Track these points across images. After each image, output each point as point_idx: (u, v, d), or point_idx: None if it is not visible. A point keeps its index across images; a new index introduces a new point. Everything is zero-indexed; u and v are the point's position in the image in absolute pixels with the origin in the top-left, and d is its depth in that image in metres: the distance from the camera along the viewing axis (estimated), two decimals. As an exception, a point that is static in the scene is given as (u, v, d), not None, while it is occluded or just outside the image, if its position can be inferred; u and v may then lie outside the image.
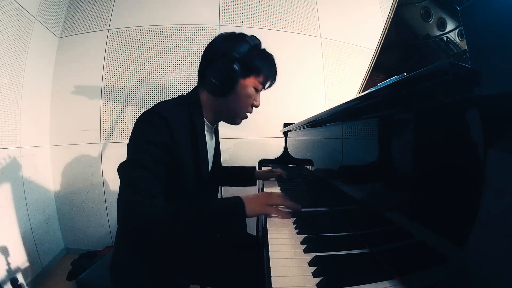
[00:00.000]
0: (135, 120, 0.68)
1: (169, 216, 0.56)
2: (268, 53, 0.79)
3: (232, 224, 0.60)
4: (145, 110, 0.69)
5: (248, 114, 0.82)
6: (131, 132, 0.68)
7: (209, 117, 0.81)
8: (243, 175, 1.15)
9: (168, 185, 0.66)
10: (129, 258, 0.73)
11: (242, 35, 0.75)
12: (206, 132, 0.79)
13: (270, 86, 0.81)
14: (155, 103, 0.73)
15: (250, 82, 0.75)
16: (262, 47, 0.80)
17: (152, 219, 0.55)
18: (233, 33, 0.76)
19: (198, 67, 0.79)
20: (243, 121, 0.84)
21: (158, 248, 0.73)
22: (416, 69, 0.35)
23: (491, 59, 0.28)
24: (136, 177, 0.59)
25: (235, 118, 0.81)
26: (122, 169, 0.64)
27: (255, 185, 1.17)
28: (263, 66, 0.75)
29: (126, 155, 0.67)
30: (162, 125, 0.64)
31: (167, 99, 0.75)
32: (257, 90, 0.78)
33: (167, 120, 0.64)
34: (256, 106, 0.81)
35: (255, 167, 1.20)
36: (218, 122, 0.87)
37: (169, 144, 0.64)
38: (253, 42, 0.74)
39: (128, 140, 0.69)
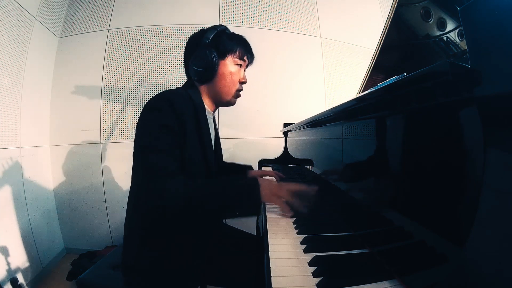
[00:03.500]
0: (142, 109, 0.72)
1: (188, 192, 0.62)
2: (237, 34, 0.86)
3: (247, 203, 0.65)
4: (146, 101, 0.73)
5: (240, 93, 0.88)
6: (139, 119, 0.72)
7: (207, 104, 0.86)
8: (237, 173, 1.13)
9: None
10: (135, 256, 0.74)
11: (208, 27, 0.83)
12: (207, 116, 0.83)
13: (250, 62, 0.88)
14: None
15: (229, 61, 0.82)
16: (250, 42, 0.87)
17: (173, 196, 0.61)
18: (201, 29, 0.84)
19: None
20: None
21: (162, 247, 0.74)
22: (416, 69, 0.35)
23: (491, 59, 0.28)
24: (153, 162, 0.64)
25: (229, 97, 0.85)
26: (139, 157, 0.68)
27: None
28: (234, 44, 0.82)
29: (135, 141, 0.71)
30: (169, 110, 0.68)
31: (165, 90, 0.79)
32: (240, 66, 0.84)
33: (173, 104, 0.69)
34: (244, 83, 0.87)
35: (250, 166, 1.17)
36: (216, 108, 0.91)
37: (176, 127, 0.69)
38: (219, 28, 0.82)
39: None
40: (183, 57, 0.86)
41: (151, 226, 0.73)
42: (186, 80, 0.89)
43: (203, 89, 0.84)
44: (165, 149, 0.65)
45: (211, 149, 0.83)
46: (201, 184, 0.66)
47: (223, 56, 0.80)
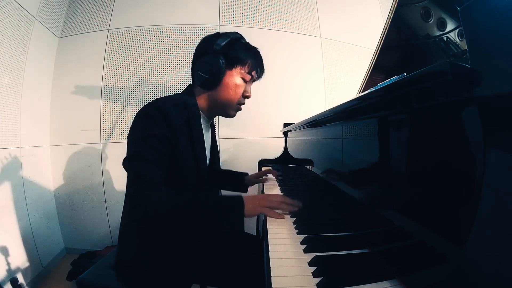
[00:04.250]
0: (135, 115, 0.71)
1: (171, 205, 0.62)
2: (252, 45, 0.82)
3: (229, 220, 0.64)
4: (144, 105, 0.72)
5: (241, 106, 0.85)
6: (131, 126, 0.71)
7: (205, 111, 0.84)
8: (234, 181, 1.12)
9: (170, 179, 0.69)
10: (134, 256, 0.74)
11: (223, 33, 0.80)
12: (202, 124, 0.81)
13: (259, 77, 0.85)
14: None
15: (236, 73, 0.78)
16: (250, 42, 0.84)
17: (156, 208, 0.61)
18: (217, 33, 0.81)
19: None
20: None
21: (162, 247, 0.74)
22: (416, 69, 0.35)
23: (491, 59, 0.28)
24: (139, 170, 0.64)
25: (228, 109, 0.83)
26: (127, 164, 0.67)
27: (246, 192, 1.10)
28: (245, 56, 0.78)
29: (127, 148, 0.70)
30: (160, 119, 0.67)
31: (160, 97, 0.78)
32: (246, 81, 0.81)
33: (165, 113, 0.67)
34: (248, 97, 0.84)
35: (247, 173, 1.15)
36: (214, 116, 0.89)
37: (168, 136, 0.67)
38: (233, 36, 0.79)
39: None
40: (192, 57, 0.83)
41: (148, 227, 0.73)
42: (189, 83, 0.87)
43: (203, 96, 0.81)
44: (152, 159, 0.64)
45: (205, 158, 0.81)
46: (185, 198, 0.64)
47: (231, 66, 0.77)
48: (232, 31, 0.81)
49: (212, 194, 0.68)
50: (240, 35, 0.82)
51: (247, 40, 0.85)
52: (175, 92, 2.04)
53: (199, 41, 0.82)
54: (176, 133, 0.69)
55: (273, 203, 0.69)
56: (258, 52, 0.83)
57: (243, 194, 0.68)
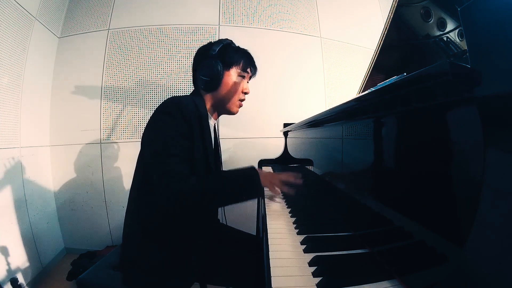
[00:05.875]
0: (153, 112, 0.78)
1: (203, 192, 0.70)
2: (242, 48, 0.93)
3: (251, 189, 0.76)
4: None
5: (242, 102, 0.95)
6: (150, 123, 0.77)
7: (210, 111, 0.92)
8: None
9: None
10: (138, 255, 0.76)
11: (216, 40, 0.91)
12: (210, 124, 0.89)
13: (253, 74, 0.96)
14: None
15: (233, 72, 0.89)
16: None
17: (193, 195, 0.68)
18: (209, 42, 0.92)
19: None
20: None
21: (164, 247, 0.76)
22: (416, 69, 0.35)
23: (491, 59, 0.28)
24: (169, 167, 0.69)
25: (231, 105, 0.92)
26: (153, 161, 0.71)
27: None
28: (238, 57, 0.89)
29: (144, 145, 0.77)
30: (179, 116, 0.74)
31: (174, 95, 0.85)
32: (243, 78, 0.91)
33: (183, 110, 0.75)
34: (246, 93, 0.94)
35: None
36: (219, 116, 0.97)
37: (186, 132, 0.75)
38: (225, 42, 0.90)
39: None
40: (191, 68, 0.93)
41: (153, 226, 0.75)
42: (193, 89, 0.95)
43: (208, 97, 0.90)
44: (178, 154, 0.71)
45: (212, 154, 0.87)
46: (211, 180, 0.74)
47: (228, 67, 0.87)
48: (224, 38, 0.93)
49: (230, 172, 0.81)
50: (231, 40, 0.92)
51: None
52: (175, 92, 2.04)
53: (198, 44, 0.89)
54: (192, 129, 0.75)
55: (278, 180, 0.81)
56: (249, 53, 0.93)
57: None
